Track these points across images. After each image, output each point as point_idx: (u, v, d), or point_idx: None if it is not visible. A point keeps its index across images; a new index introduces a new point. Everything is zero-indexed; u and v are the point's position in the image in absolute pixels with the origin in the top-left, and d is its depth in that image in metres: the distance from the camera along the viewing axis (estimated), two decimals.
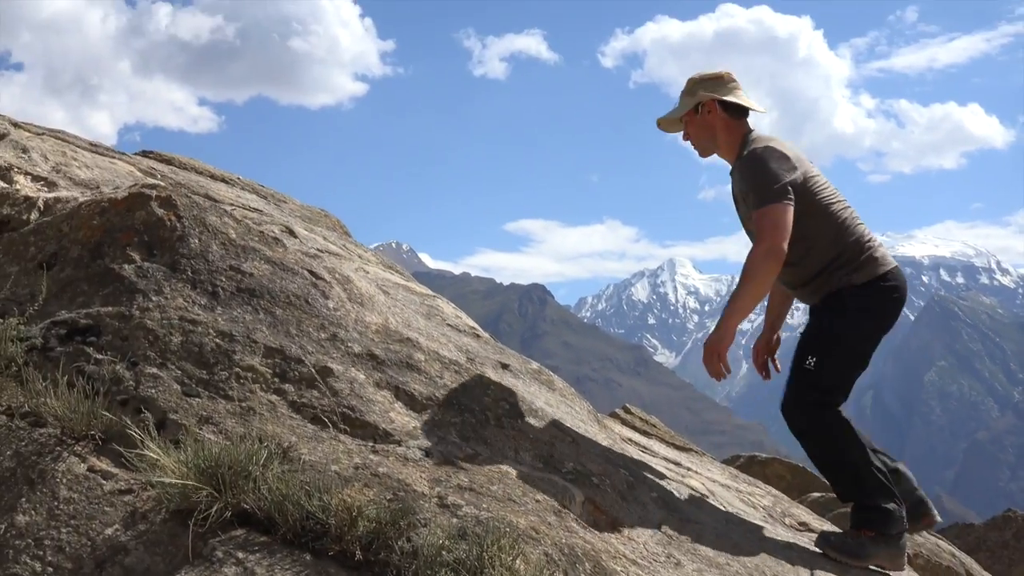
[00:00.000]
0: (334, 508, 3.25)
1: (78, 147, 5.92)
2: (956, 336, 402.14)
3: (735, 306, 4.44)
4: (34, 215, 4.63)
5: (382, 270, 5.66)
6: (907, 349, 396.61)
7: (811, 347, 4.65)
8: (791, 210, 4.44)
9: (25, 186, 5.00)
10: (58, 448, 3.55)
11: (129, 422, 3.55)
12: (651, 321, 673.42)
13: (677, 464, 5.44)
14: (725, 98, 4.77)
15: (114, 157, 6.00)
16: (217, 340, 3.94)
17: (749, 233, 4.76)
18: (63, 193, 4.91)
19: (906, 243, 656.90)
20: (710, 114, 4.80)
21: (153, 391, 3.74)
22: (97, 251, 4.29)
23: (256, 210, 5.82)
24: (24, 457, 3.52)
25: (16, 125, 5.98)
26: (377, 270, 5.47)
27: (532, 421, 4.13)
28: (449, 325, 5.06)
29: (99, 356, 3.87)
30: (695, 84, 4.85)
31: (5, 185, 4.92)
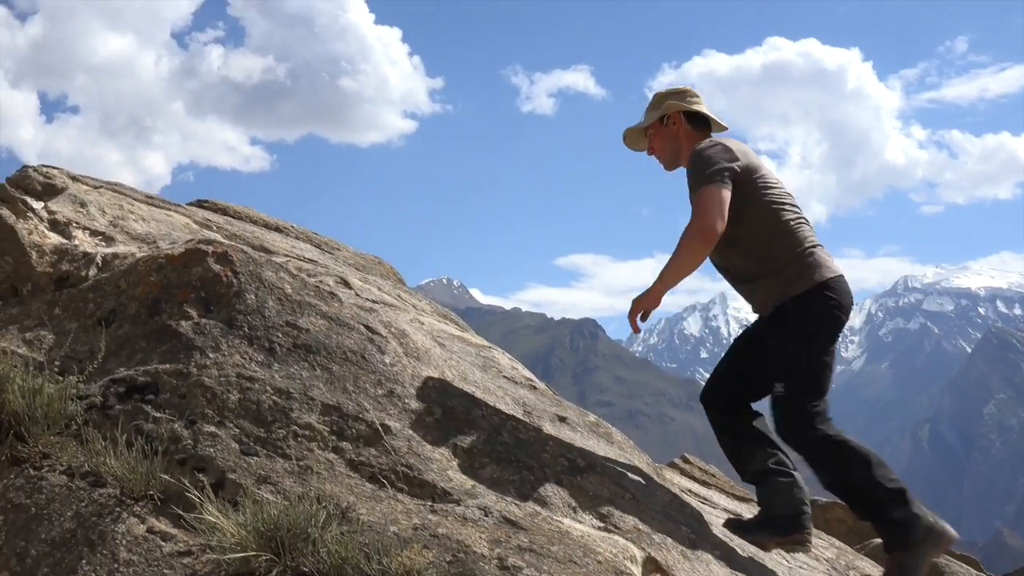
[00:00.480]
0: (394, 571, 3.21)
1: (135, 200, 5.96)
2: (1015, 368, 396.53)
3: (662, 276, 4.47)
4: (92, 271, 4.66)
5: (437, 320, 5.65)
6: (965, 382, 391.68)
7: (774, 374, 4.62)
8: (725, 192, 4.46)
9: (84, 240, 5.04)
10: (118, 509, 3.54)
11: (188, 483, 3.54)
12: (703, 355, 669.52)
13: (737, 516, 5.36)
14: (689, 108, 4.86)
15: (170, 209, 6.04)
16: (274, 397, 3.92)
17: None
18: (121, 248, 4.94)
19: (961, 275, 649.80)
20: (675, 125, 4.88)
21: (211, 450, 3.73)
22: (155, 307, 4.30)
23: (311, 260, 5.83)
24: (84, 518, 3.52)
25: (74, 179, 6.04)
26: (432, 321, 5.45)
27: (591, 477, 4.08)
28: (506, 377, 5.02)
29: (157, 414, 3.87)
30: (661, 98, 4.95)
31: (64, 240, 4.96)
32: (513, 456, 3.99)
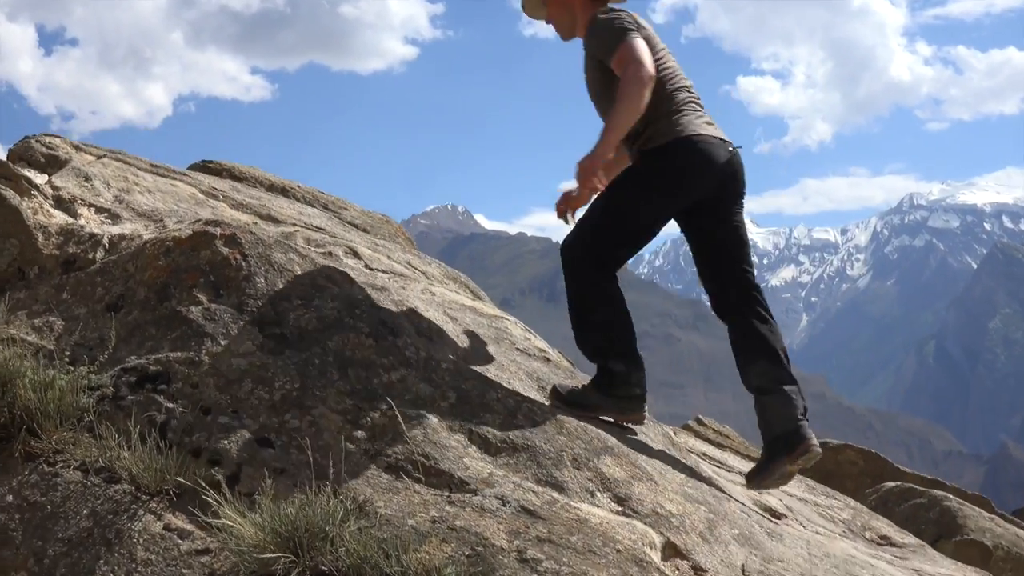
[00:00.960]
0: (413, 569, 3.20)
1: (139, 169, 5.90)
2: (1020, 283, 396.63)
3: (611, 124, 4.44)
4: (100, 253, 4.61)
5: (448, 290, 5.60)
6: (970, 298, 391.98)
7: (593, 204, 4.72)
8: (641, 40, 4.52)
9: (90, 219, 4.99)
10: (134, 506, 3.53)
11: (202, 477, 3.52)
12: None
13: None
14: None
15: (175, 178, 5.98)
16: (287, 386, 3.89)
17: (600, 112, 4.81)
18: (127, 228, 4.89)
19: (967, 191, 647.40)
20: None
21: (226, 442, 3.71)
22: (163, 293, 4.26)
23: (319, 228, 5.78)
24: (100, 516, 3.50)
25: (77, 148, 5.97)
26: (443, 291, 5.40)
27: (607, 459, 4.05)
28: (519, 350, 4.99)
29: (170, 404, 3.84)
30: None
31: (71, 220, 4.90)
32: (529, 440, 3.96)
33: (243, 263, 4.31)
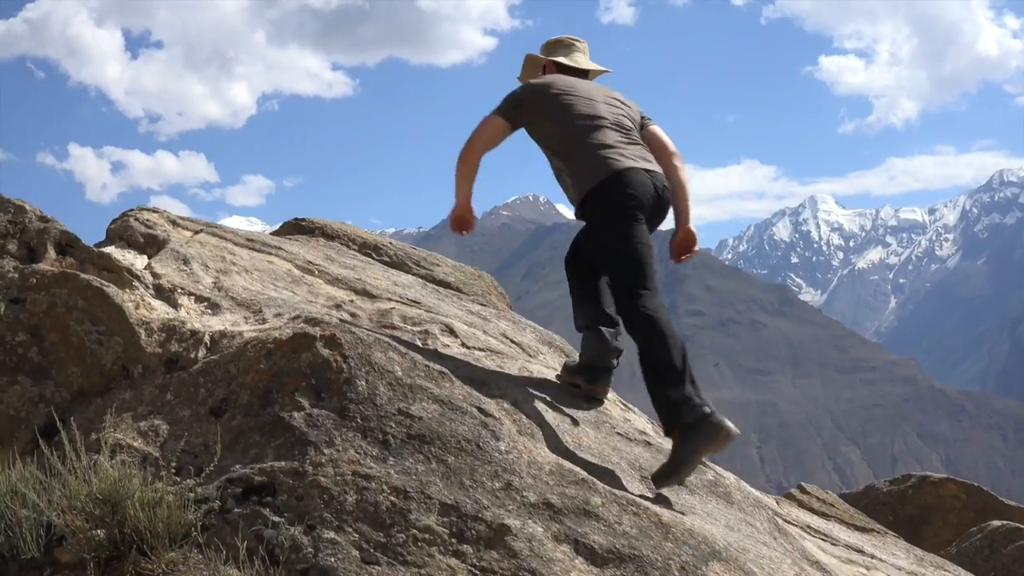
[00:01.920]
0: None
1: (236, 245, 5.95)
2: None
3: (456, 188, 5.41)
4: (202, 352, 4.65)
5: (544, 364, 5.56)
6: None
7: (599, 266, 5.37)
8: (497, 121, 5.35)
9: (190, 309, 5.04)
10: None
11: None
12: (794, 260, 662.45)
13: (860, 551, 5.26)
14: (558, 59, 5.68)
15: (270, 252, 6.02)
16: (392, 498, 3.89)
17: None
18: (228, 319, 4.93)
19: None
20: (547, 74, 5.67)
21: (332, 559, 3.72)
22: (266, 397, 4.28)
23: (414, 302, 5.78)
24: None
25: (175, 224, 6.04)
26: (540, 368, 5.37)
27: (716, 566, 4.00)
28: (619, 434, 4.94)
29: (276, 518, 3.86)
30: (542, 48, 5.82)
31: (170, 311, 4.95)
32: (636, 549, 3.92)
33: (343, 365, 4.31)
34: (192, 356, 4.64)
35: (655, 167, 5.25)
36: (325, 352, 4.35)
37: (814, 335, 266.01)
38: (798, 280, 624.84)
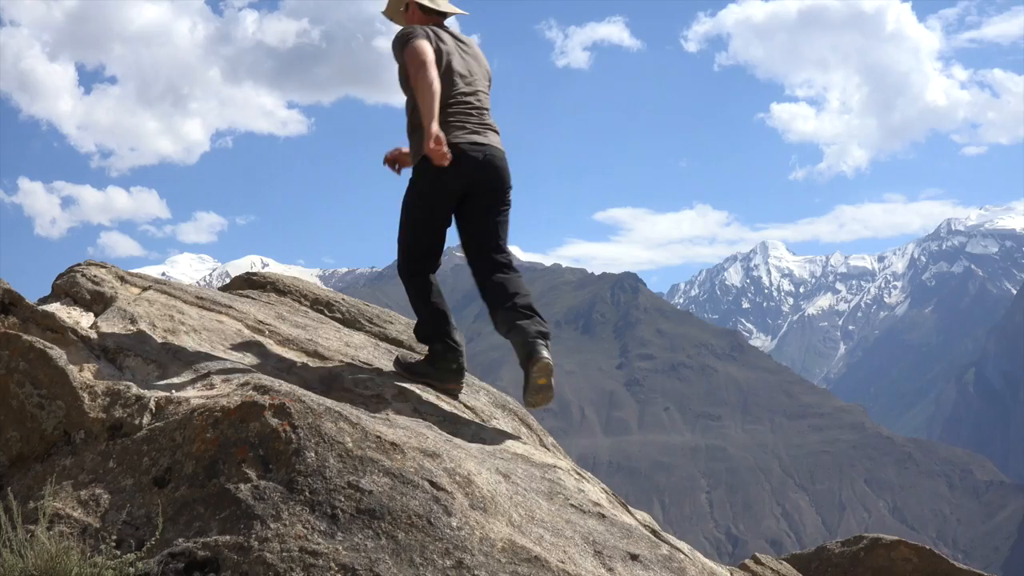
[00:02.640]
0: None
1: (185, 303, 5.84)
2: None
3: (421, 112, 5.52)
4: (146, 418, 4.52)
5: (497, 430, 5.48)
6: (1011, 324, 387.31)
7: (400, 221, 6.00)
8: (425, 42, 5.68)
9: (136, 370, 4.92)
10: None
11: None
12: (745, 305, 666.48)
13: None
14: (421, 1, 6.04)
15: (220, 311, 5.91)
16: None
17: (408, 106, 5.91)
18: (174, 381, 4.81)
19: (1006, 215, 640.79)
20: (409, 12, 6.11)
21: None
22: (212, 468, 4.16)
23: (365, 363, 5.69)
24: None
25: (123, 280, 5.92)
26: (493, 434, 5.28)
27: None
28: (572, 506, 4.85)
29: None
30: None
31: (117, 376, 4.83)
32: None
33: (292, 435, 4.21)
34: (137, 422, 4.52)
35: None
36: (274, 422, 4.25)
37: (764, 380, 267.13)
38: (749, 325, 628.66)
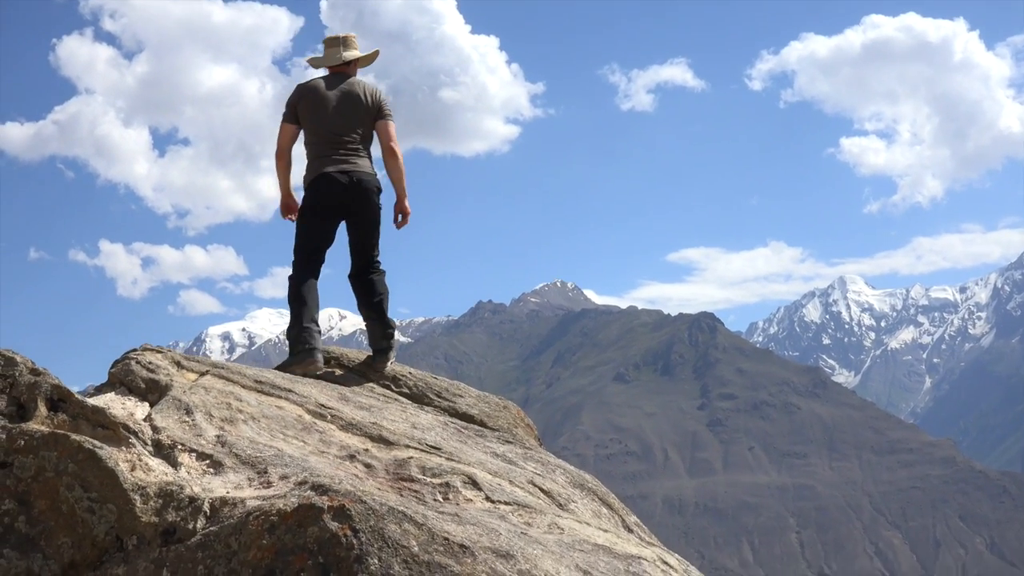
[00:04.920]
0: None
1: (243, 388, 5.59)
2: None
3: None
4: (200, 522, 4.25)
5: (576, 518, 5.13)
6: None
7: None
8: (283, 126, 7.60)
9: (191, 468, 4.65)
10: None
11: None
12: (826, 341, 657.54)
13: None
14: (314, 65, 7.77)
15: (280, 396, 5.65)
16: None
17: None
18: (231, 484, 4.53)
19: None
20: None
21: None
22: None
23: (434, 448, 5.39)
24: None
25: (179, 365, 5.69)
26: (571, 523, 4.93)
27: None
28: None
29: None
30: (350, 42, 7.80)
31: (170, 474, 4.56)
32: None
33: (354, 540, 3.90)
34: (190, 527, 4.25)
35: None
36: (333, 526, 3.95)
37: (849, 417, 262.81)
38: (830, 362, 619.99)
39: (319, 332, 7.15)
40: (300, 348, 6.97)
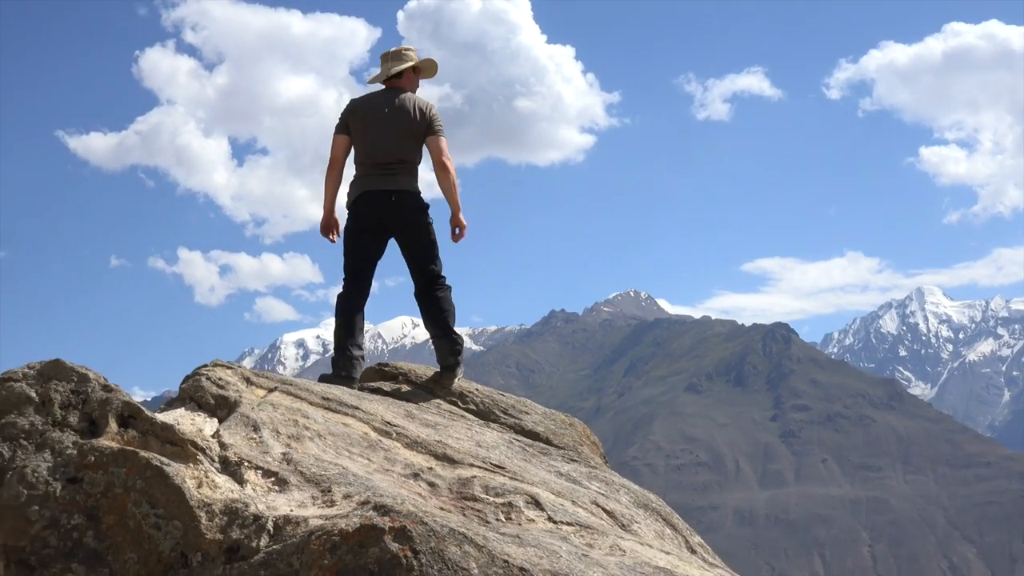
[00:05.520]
0: None
1: (311, 405, 5.65)
2: None
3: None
4: (264, 540, 4.30)
5: (639, 538, 5.12)
6: None
7: None
8: (336, 137, 7.62)
9: (256, 485, 4.71)
10: None
11: None
12: (902, 353, 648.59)
13: None
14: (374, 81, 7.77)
15: (347, 413, 5.70)
16: None
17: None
18: (295, 503, 4.58)
19: None
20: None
21: None
22: None
23: (498, 467, 5.40)
24: None
25: (248, 381, 5.76)
26: (633, 544, 4.92)
27: None
28: None
29: None
30: (401, 53, 7.73)
31: (236, 491, 4.62)
32: None
33: (414, 562, 3.93)
34: (254, 544, 4.30)
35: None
36: (394, 547, 3.98)
37: (925, 430, 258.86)
38: (907, 374, 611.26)
39: (360, 357, 7.21)
40: (338, 374, 7.07)
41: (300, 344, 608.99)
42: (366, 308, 7.64)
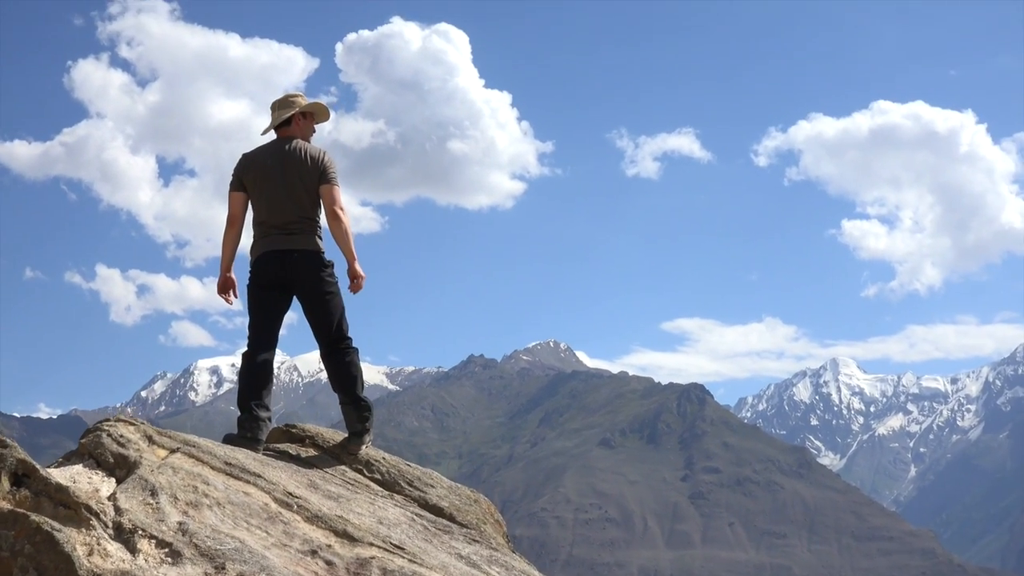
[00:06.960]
0: None
1: (213, 470, 5.56)
2: None
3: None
4: None
5: None
6: None
7: None
8: (232, 195, 7.62)
9: (149, 556, 4.60)
10: None
11: None
12: (814, 422, 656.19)
13: None
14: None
15: (248, 481, 5.61)
16: None
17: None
18: (188, 572, 4.49)
19: None
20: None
21: None
22: None
23: (398, 548, 5.35)
24: None
25: (151, 440, 5.67)
26: None
27: None
28: None
29: None
30: (288, 100, 7.57)
31: (127, 561, 4.51)
32: None
33: None
34: None
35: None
36: None
37: (832, 500, 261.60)
38: (817, 443, 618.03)
39: (267, 419, 7.03)
40: (243, 435, 6.85)
41: (214, 371, 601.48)
42: (280, 341, 7.56)
